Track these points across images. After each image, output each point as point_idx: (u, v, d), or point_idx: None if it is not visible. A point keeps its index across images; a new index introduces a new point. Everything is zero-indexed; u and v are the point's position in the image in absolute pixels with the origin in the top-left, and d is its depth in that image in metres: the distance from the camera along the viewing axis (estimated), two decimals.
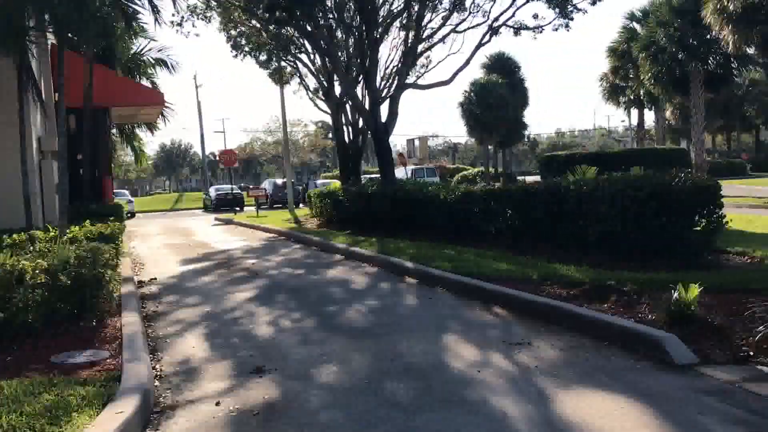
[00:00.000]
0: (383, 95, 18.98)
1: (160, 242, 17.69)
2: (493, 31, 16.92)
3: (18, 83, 11.03)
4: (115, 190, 44.39)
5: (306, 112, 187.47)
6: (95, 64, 14.37)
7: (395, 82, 17.73)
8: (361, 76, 18.60)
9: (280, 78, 28.06)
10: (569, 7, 16.24)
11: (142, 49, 19.86)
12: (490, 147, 54.11)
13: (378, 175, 24.93)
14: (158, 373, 5.51)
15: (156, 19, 14.63)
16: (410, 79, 20.59)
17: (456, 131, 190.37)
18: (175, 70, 21.14)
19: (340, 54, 22.17)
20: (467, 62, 16.95)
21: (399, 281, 9.54)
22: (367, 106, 17.25)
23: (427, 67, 24.82)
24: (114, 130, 22.58)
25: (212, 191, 42.02)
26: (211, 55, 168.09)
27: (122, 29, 19.68)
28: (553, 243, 10.63)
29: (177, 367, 5.70)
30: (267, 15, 16.06)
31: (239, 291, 9.34)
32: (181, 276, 11.13)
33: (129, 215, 39.21)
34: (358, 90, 20.87)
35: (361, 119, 19.17)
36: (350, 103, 19.38)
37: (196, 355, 6.07)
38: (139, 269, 12.28)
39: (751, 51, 23.46)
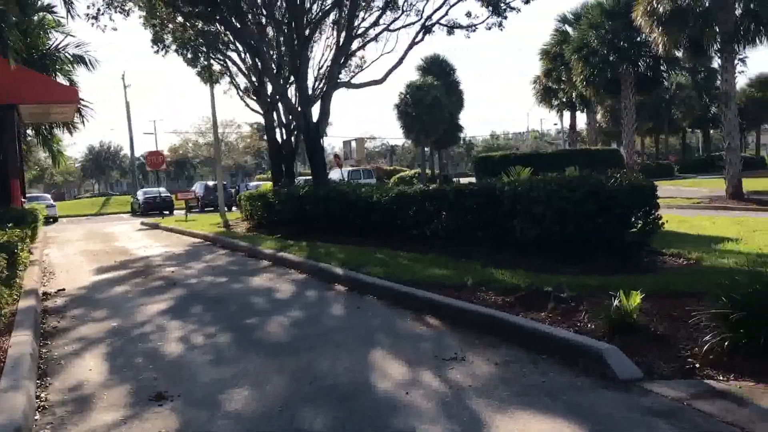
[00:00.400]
0: (317, 95, 18.40)
1: (77, 249, 16.60)
2: (426, 29, 16.57)
3: None
4: (34, 194, 42.37)
5: (239, 112, 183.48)
6: None
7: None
8: (292, 76, 17.94)
9: (209, 77, 27.02)
10: (502, 5, 16.02)
11: (58, 45, 18.68)
12: (426, 149, 54.12)
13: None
14: (42, 403, 4.79)
15: (68, 11, 13.64)
16: (344, 80, 20.08)
17: (394, 133, 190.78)
18: (94, 68, 19.98)
19: (271, 52, 21.47)
20: (400, 61, 16.56)
21: (328, 289, 8.96)
22: (298, 106, 16.59)
23: (361, 67, 24.39)
24: (29, 131, 21.24)
25: (140, 194, 40.45)
26: (140, 53, 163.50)
27: (35, 23, 18.56)
28: (489, 245, 10.29)
29: (66, 395, 4.98)
30: (189, 9, 15.23)
31: (153, 302, 8.59)
32: (93, 286, 10.27)
33: (51, 220, 37.39)
34: (291, 90, 20.25)
35: (294, 119, 18.47)
36: (281, 102, 18.64)
37: (91, 379, 5.36)
38: (48, 279, 11.33)
39: (679, 54, 23.85)
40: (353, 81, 20.47)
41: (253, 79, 22.77)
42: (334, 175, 39.16)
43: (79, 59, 19.16)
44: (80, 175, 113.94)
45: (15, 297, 8.27)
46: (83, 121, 20.37)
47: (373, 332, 6.45)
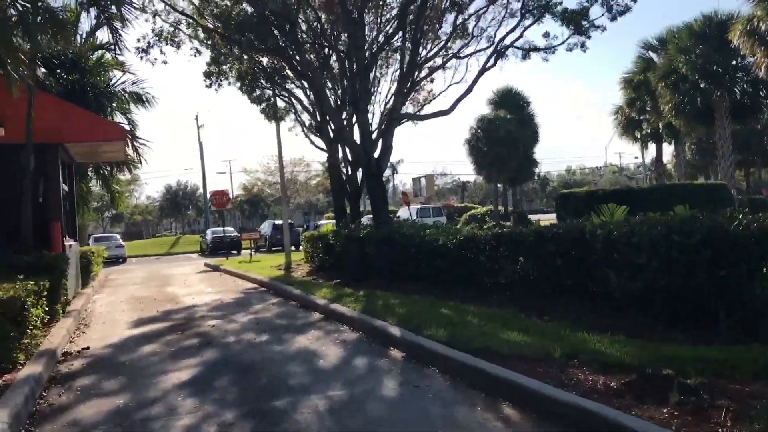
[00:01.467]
0: (381, 129, 17.18)
1: (127, 295, 15.72)
2: (499, 53, 15.11)
3: None
4: (103, 234, 42.62)
5: (308, 150, 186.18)
6: (41, 93, 12.56)
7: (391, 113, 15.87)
8: (352, 107, 16.75)
9: (273, 114, 26.35)
10: (585, 23, 14.35)
11: (114, 82, 18.21)
12: (499, 185, 52.23)
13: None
14: None
15: (116, 43, 12.88)
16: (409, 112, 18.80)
17: (465, 169, 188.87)
18: (152, 105, 19.47)
19: (330, 84, 20.46)
20: (470, 89, 15.14)
21: (381, 355, 7.44)
22: (358, 141, 15.34)
23: (429, 101, 23.13)
24: (90, 170, 20.83)
25: (208, 234, 40.19)
26: (206, 90, 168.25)
27: (93, 61, 18.14)
28: (576, 298, 8.60)
29: None
30: (240, 36, 14.33)
31: (177, 370, 7.28)
32: (121, 345, 9.10)
33: (120, 260, 37.56)
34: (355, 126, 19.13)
35: (354, 155, 17.25)
36: (341, 136, 17.47)
37: None
38: (81, 333, 10.29)
39: None
40: (419, 113, 19.15)
41: (316, 113, 21.81)
42: (403, 213, 37.81)
43: (137, 97, 18.64)
44: (158, 214, 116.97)
45: (20, 362, 7.14)
46: (140, 160, 19.79)
47: (433, 426, 4.89)
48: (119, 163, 18.98)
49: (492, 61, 15.19)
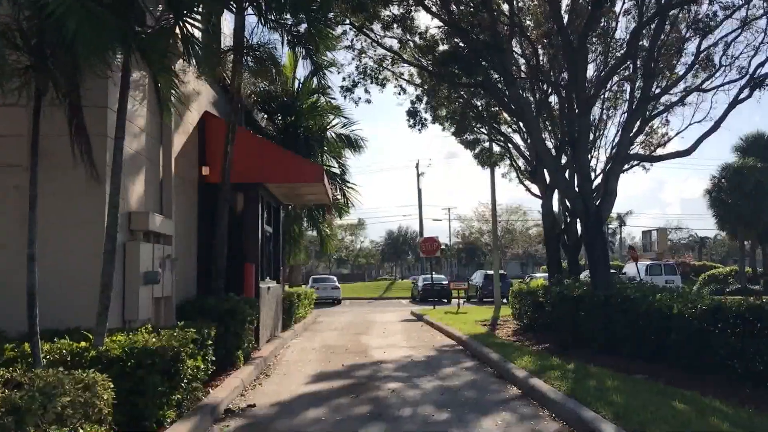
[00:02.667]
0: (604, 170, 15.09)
1: (322, 342, 15.16)
2: (756, 83, 12.39)
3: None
4: (322, 275, 44.04)
5: (526, 198, 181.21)
6: (242, 131, 12.50)
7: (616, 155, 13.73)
8: (569, 148, 14.85)
9: (487, 158, 25.19)
10: None
11: (326, 126, 18.18)
12: (746, 242, 45.72)
13: (612, 270, 20.11)
14: None
15: (319, 81, 12.51)
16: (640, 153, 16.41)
17: (703, 224, 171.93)
18: (361, 147, 19.17)
19: (552, 127, 18.75)
20: (716, 126, 12.50)
21: None
22: (576, 187, 13.40)
23: (663, 144, 20.42)
24: (301, 212, 21.09)
25: (420, 281, 39.74)
26: (432, 141, 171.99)
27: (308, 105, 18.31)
28: None
29: None
30: (443, 70, 13.23)
31: None
32: (289, 404, 8.17)
33: (335, 302, 38.42)
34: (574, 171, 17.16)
35: (570, 202, 15.28)
36: (556, 180, 15.59)
37: None
38: (259, 383, 9.62)
39: None
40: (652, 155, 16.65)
41: (529, 157, 20.18)
42: (630, 270, 34.12)
43: (347, 140, 18.45)
44: (380, 258, 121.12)
45: (167, 420, 6.39)
46: (348, 203, 19.51)
47: None
48: (327, 205, 18.81)
49: (746, 92, 12.50)
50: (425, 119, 18.17)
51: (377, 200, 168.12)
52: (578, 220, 15.02)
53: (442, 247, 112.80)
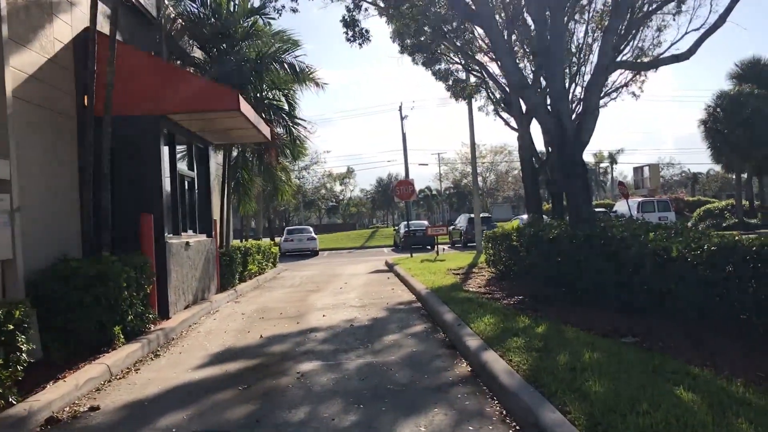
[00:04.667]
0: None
1: (261, 304, 12.96)
2: None
3: None
4: (297, 227, 41.49)
5: (513, 138, 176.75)
6: (121, 44, 9.94)
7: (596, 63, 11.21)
8: (539, 58, 12.29)
9: (464, 90, 22.61)
10: None
11: (265, 53, 15.42)
12: (742, 175, 43.44)
13: (601, 209, 17.83)
14: None
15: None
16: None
17: (695, 158, 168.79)
18: (311, 82, 16.55)
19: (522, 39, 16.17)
20: (721, 21, 10.02)
21: None
22: (548, 105, 10.97)
23: (656, 56, 17.89)
24: (248, 155, 18.63)
25: (402, 227, 37.56)
26: (414, 84, 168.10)
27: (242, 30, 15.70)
28: None
29: None
30: None
31: None
32: (147, 405, 5.94)
33: (312, 253, 36.29)
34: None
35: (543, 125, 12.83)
36: (522, 97, 13.13)
37: None
38: (136, 369, 7.40)
39: None
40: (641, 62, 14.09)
41: (503, 84, 17.66)
42: (620, 207, 31.92)
43: (290, 69, 15.77)
44: (371, 206, 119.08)
45: None
46: (293, 142, 16.98)
47: None
48: (271, 146, 16.30)
49: None
50: (366, 31, 15.39)
51: (365, 147, 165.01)
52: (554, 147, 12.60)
53: (432, 193, 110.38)
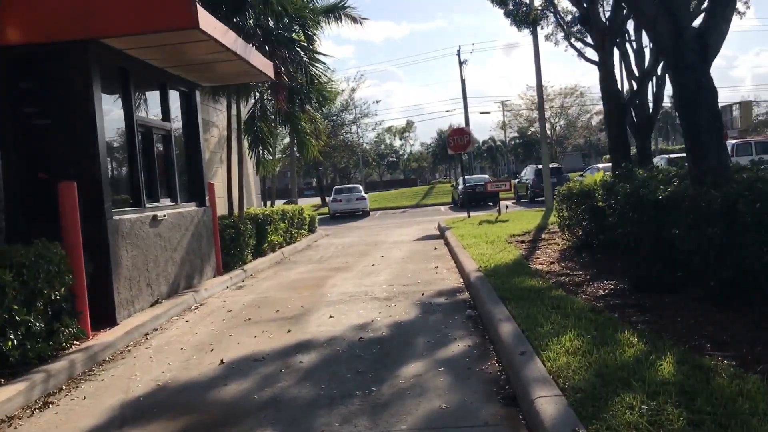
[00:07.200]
0: None
1: (262, 294, 10.04)
2: None
3: None
4: (347, 186, 37.92)
5: (589, 77, 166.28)
6: None
7: None
8: None
9: (527, 15, 18.86)
10: None
11: None
12: None
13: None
14: None
15: None
16: None
17: None
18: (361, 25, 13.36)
19: None
20: None
21: None
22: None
23: None
24: (268, 106, 15.56)
25: (459, 183, 34.10)
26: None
27: None
28: None
29: None
30: None
31: None
32: None
33: (363, 214, 33.31)
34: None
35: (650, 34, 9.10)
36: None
37: None
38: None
39: None
40: None
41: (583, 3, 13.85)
42: None
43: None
44: (432, 161, 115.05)
45: None
46: (310, 81, 13.65)
47: None
48: (276, 87, 13.07)
49: None
50: None
51: (426, 97, 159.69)
52: (663, 65, 9.10)
53: (496, 143, 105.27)
